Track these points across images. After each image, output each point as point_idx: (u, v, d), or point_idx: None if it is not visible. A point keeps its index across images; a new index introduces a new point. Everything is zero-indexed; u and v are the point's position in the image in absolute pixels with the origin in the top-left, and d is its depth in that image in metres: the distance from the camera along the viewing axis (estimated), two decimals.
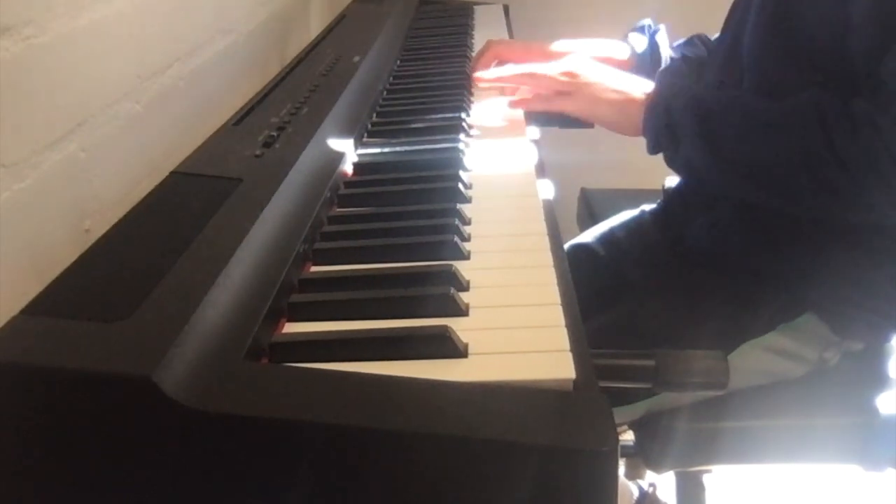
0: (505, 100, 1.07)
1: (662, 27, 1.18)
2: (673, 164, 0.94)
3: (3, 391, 0.46)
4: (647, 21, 1.20)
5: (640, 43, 1.17)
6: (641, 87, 0.97)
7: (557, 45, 1.14)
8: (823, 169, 0.79)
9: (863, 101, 0.78)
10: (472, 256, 0.67)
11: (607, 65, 1.01)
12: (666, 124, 0.91)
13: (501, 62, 1.15)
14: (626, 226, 1.19)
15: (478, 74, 1.13)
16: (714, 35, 1.15)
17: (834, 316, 0.93)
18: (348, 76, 1.03)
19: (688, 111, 0.89)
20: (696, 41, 1.20)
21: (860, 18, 0.80)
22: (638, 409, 0.95)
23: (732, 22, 1.02)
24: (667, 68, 1.14)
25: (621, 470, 1.13)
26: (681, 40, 1.20)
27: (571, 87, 0.99)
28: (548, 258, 0.66)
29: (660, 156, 0.95)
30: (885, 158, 0.76)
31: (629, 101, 0.96)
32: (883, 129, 0.76)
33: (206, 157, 0.77)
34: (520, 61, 1.11)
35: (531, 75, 1.02)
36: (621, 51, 1.17)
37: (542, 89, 1.02)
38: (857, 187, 0.78)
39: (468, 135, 0.96)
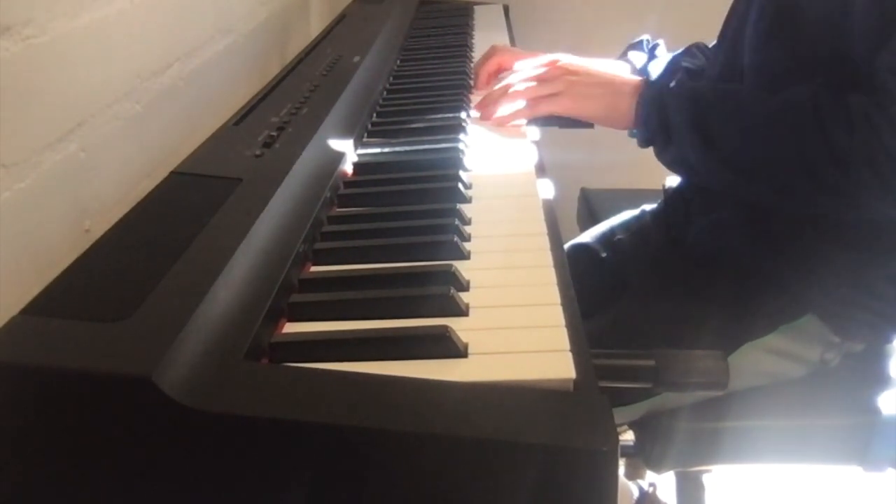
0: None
1: (661, 42, 1.17)
2: (663, 157, 0.93)
3: (3, 391, 0.46)
4: (645, 36, 1.18)
5: (639, 59, 1.16)
6: (627, 79, 0.96)
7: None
8: (818, 164, 0.79)
9: (860, 96, 0.78)
10: (472, 256, 0.67)
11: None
12: (659, 116, 0.90)
13: (503, 69, 1.15)
14: (626, 226, 1.19)
15: (474, 107, 1.07)
16: (712, 41, 1.14)
17: (835, 317, 0.93)
18: (348, 76, 1.03)
19: (682, 103, 0.88)
20: (694, 50, 1.18)
21: (860, 16, 0.80)
22: (638, 409, 0.95)
23: (729, 30, 1.02)
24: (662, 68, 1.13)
25: (621, 470, 1.13)
26: (679, 50, 1.19)
27: (556, 87, 0.98)
28: (548, 258, 0.66)
29: None
30: (881, 155, 0.76)
31: (617, 94, 0.95)
32: (880, 126, 0.75)
33: (206, 157, 0.77)
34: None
35: (514, 93, 1.00)
36: (622, 69, 1.15)
37: (528, 98, 1.00)
38: (852, 183, 0.78)
39: (468, 135, 0.96)
